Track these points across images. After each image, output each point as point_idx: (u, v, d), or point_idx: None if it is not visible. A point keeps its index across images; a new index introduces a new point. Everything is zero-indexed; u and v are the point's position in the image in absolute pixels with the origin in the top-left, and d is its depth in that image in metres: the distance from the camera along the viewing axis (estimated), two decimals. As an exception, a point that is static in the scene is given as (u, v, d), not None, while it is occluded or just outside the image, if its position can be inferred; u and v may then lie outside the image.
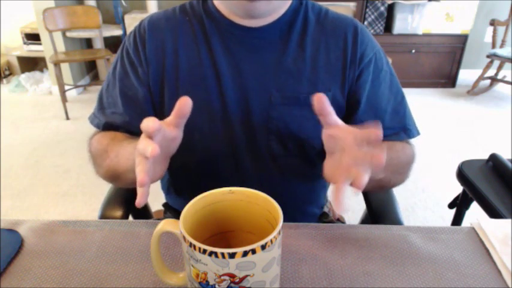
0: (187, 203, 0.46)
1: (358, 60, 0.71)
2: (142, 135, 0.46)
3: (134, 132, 0.73)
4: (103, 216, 0.80)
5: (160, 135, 0.48)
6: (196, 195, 0.47)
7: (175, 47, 0.71)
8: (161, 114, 0.74)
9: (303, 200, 0.83)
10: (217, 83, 0.70)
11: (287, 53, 0.70)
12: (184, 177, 0.80)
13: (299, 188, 0.80)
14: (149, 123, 0.44)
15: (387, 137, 0.72)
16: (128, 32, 3.34)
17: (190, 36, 0.71)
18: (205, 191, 0.48)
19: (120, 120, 0.73)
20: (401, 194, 0.75)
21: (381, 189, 0.82)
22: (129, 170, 0.62)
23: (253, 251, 0.39)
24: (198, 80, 0.70)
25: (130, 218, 0.87)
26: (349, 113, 0.73)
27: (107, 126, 0.74)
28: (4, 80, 3.73)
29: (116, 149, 0.66)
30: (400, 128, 0.74)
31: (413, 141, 0.76)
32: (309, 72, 0.70)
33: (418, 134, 0.76)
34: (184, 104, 0.50)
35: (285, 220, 0.43)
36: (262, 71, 0.70)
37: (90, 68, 3.76)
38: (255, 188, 0.48)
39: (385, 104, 0.73)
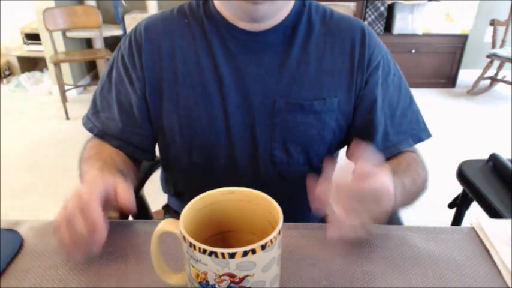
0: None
1: (366, 63, 0.69)
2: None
3: (127, 139, 0.72)
4: (103, 216, 0.80)
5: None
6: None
7: (173, 50, 0.69)
8: (159, 120, 0.72)
9: (304, 205, 0.82)
10: (218, 87, 0.68)
11: (290, 58, 0.68)
12: (185, 181, 0.80)
13: (301, 194, 0.79)
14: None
15: (398, 144, 0.72)
16: (127, 32, 3.35)
17: (189, 38, 0.69)
18: None
19: (114, 127, 0.72)
20: (401, 194, 0.75)
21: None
22: None
23: (253, 251, 0.39)
24: (198, 84, 0.68)
25: (131, 218, 0.87)
26: (363, 119, 0.72)
27: (100, 134, 0.73)
28: (4, 80, 3.73)
29: (87, 167, 0.65)
30: (408, 133, 0.73)
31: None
32: (313, 77, 0.68)
33: (429, 136, 0.74)
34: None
35: (286, 221, 0.43)
36: (265, 77, 0.68)
37: (90, 68, 3.75)
38: None
39: (393, 109, 0.71)
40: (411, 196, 0.66)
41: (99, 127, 0.73)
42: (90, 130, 0.74)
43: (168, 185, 0.86)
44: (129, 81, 0.71)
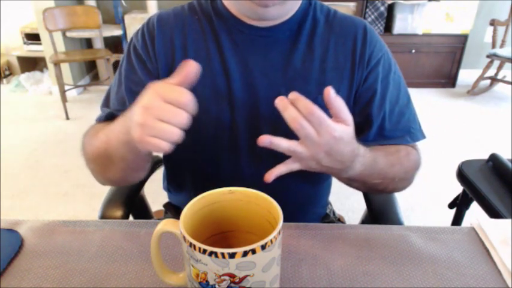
0: (188, 200, 0.46)
1: (366, 60, 0.71)
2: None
3: None
4: (103, 216, 0.80)
5: None
6: (197, 193, 0.47)
7: (185, 43, 0.71)
8: None
9: (306, 201, 0.83)
10: (226, 80, 0.69)
11: (296, 53, 0.70)
12: (186, 174, 0.80)
13: (302, 190, 0.79)
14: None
15: (392, 139, 0.72)
16: (127, 32, 3.36)
17: (199, 33, 0.71)
18: (206, 189, 0.48)
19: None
20: (401, 194, 0.76)
21: (381, 192, 0.81)
22: (120, 145, 0.58)
23: (253, 251, 0.39)
24: (206, 76, 0.70)
25: (131, 218, 0.87)
26: (360, 114, 0.73)
27: (108, 117, 0.72)
28: (4, 80, 3.73)
29: (105, 130, 0.63)
30: (405, 131, 0.74)
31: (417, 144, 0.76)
32: (317, 72, 0.70)
33: (424, 137, 0.75)
34: (189, 70, 0.52)
35: (286, 221, 0.43)
36: (271, 70, 0.69)
37: (90, 68, 3.75)
38: (256, 188, 0.48)
39: (392, 106, 0.73)
40: (380, 175, 0.65)
41: (108, 111, 0.72)
42: (98, 119, 0.73)
43: (169, 181, 0.86)
44: (144, 69, 0.71)
